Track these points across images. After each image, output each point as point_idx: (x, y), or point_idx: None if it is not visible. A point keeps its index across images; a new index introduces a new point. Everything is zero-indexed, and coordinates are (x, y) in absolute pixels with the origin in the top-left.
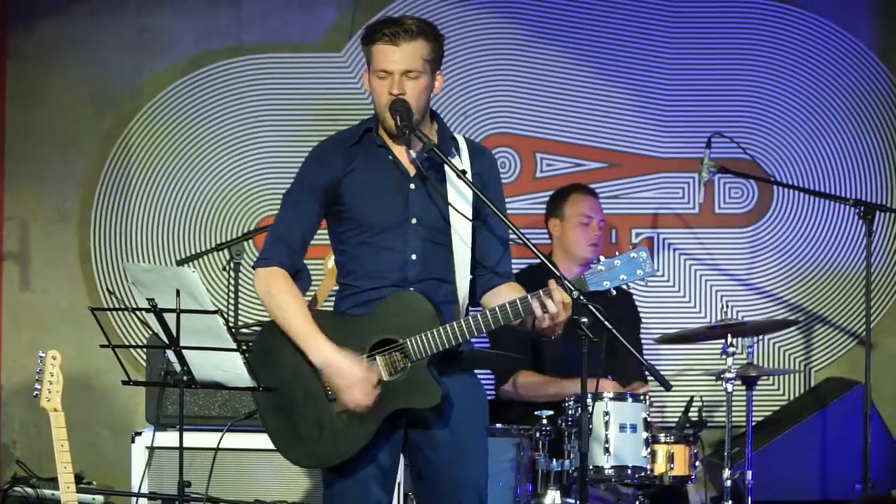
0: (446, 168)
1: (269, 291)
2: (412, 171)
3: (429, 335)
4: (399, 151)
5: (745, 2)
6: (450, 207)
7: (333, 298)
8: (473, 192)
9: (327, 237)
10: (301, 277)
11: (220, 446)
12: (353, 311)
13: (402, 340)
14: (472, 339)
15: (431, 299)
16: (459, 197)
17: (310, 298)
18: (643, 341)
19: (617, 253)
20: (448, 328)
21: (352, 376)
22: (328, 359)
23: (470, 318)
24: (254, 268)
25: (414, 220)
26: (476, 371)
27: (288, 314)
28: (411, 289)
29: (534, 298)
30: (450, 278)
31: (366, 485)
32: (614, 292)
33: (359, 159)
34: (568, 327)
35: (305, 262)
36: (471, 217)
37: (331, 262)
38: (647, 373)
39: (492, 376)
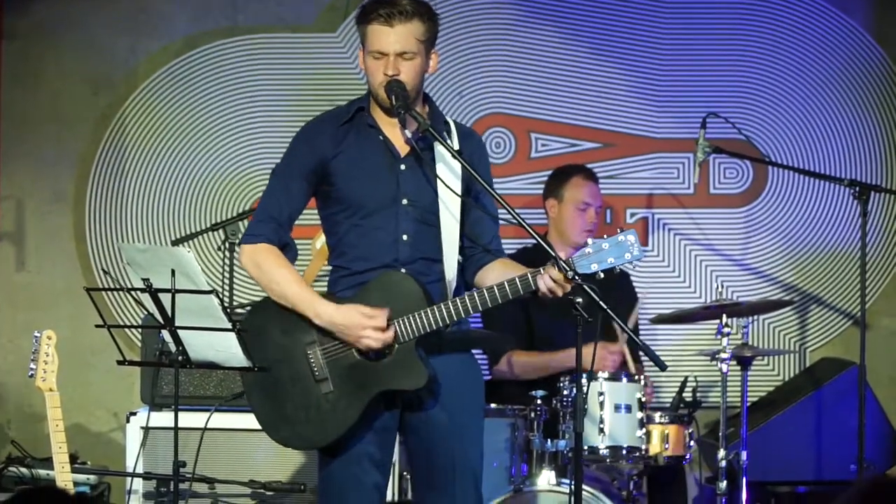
0: (437, 148)
1: (259, 265)
2: (403, 151)
3: (416, 316)
4: (390, 131)
5: None
6: (441, 186)
7: (325, 280)
8: (466, 170)
9: (315, 217)
10: (288, 251)
11: (215, 426)
12: (346, 294)
13: (389, 322)
14: (468, 319)
15: (418, 280)
16: (451, 176)
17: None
18: (639, 322)
19: (605, 235)
20: (435, 310)
21: (358, 324)
22: (331, 319)
23: (457, 300)
24: (239, 244)
25: (405, 201)
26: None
27: (282, 284)
28: (403, 270)
29: (521, 280)
30: (439, 258)
31: (362, 466)
32: (602, 276)
33: (349, 139)
34: (562, 307)
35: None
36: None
37: (318, 243)
38: (641, 353)
39: (485, 357)
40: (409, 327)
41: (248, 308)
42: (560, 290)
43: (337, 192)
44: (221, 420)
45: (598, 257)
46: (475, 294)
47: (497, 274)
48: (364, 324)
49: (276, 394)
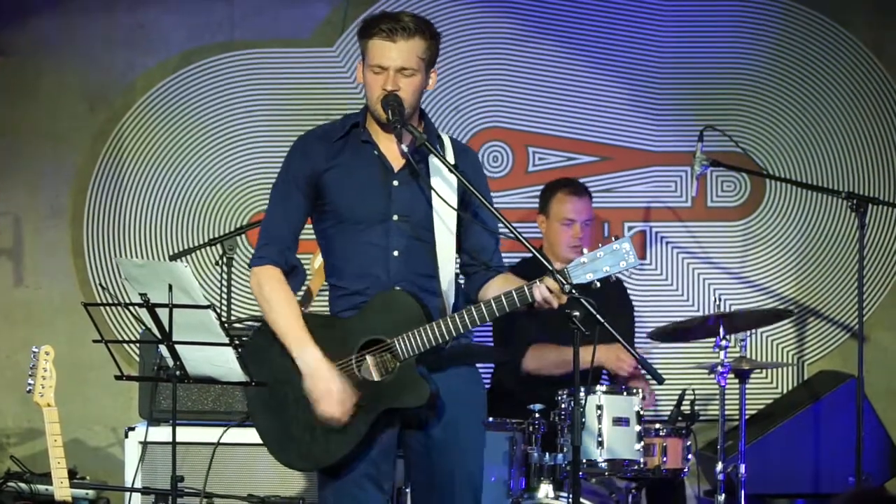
0: (432, 164)
1: (262, 290)
2: (397, 166)
3: (416, 334)
4: (385, 147)
5: None
6: (436, 201)
7: (325, 295)
8: (463, 185)
9: (314, 234)
10: (295, 275)
11: (213, 441)
12: (346, 315)
13: (389, 340)
14: (470, 334)
15: (418, 297)
16: (447, 191)
17: (303, 292)
18: (636, 334)
19: (600, 244)
20: (434, 326)
21: (326, 389)
22: (310, 365)
23: (456, 315)
24: (249, 266)
25: (395, 217)
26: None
27: (276, 314)
28: (397, 287)
29: (518, 293)
30: (434, 274)
31: (361, 487)
32: (598, 285)
33: (343, 154)
34: (560, 320)
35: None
36: (457, 210)
37: (318, 261)
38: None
39: (489, 368)
40: (409, 345)
41: (255, 328)
42: (556, 301)
43: (329, 205)
44: (220, 435)
45: (594, 266)
46: (473, 309)
47: (497, 290)
48: (338, 390)
49: (280, 414)
